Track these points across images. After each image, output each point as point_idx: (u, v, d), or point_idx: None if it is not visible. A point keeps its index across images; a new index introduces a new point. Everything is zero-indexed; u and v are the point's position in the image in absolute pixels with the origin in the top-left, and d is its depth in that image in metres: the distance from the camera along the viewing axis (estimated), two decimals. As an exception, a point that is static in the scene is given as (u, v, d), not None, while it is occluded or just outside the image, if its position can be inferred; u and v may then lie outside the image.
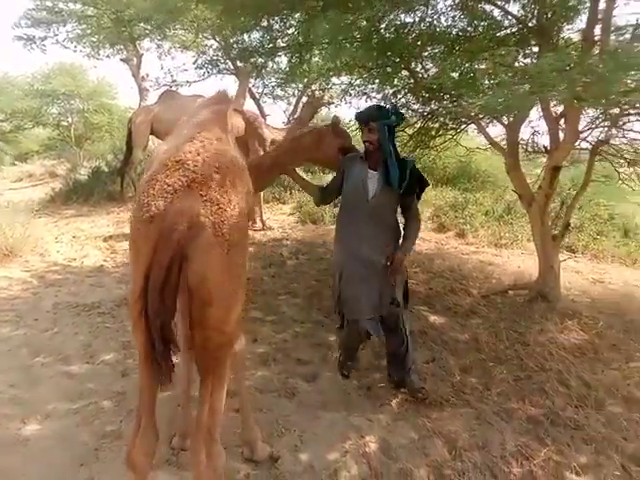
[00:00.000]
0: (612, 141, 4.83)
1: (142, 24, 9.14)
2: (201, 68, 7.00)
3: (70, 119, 16.47)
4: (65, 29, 12.03)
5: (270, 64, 6.43)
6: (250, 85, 9.85)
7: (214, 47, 5.97)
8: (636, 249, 7.71)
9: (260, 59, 5.39)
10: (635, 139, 4.62)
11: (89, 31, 11.66)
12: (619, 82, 2.34)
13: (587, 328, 4.08)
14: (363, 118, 3.08)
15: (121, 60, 13.73)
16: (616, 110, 4.30)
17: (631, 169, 4.83)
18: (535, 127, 4.75)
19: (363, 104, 5.30)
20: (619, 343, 3.88)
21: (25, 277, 5.31)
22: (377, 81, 4.40)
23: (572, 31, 4.46)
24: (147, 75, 13.01)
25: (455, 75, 3.42)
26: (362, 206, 3.07)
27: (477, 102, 2.35)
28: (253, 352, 3.79)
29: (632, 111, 4.26)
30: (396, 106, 2.69)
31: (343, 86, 5.16)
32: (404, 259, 3.10)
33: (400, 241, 3.17)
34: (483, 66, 2.71)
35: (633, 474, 2.56)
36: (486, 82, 2.61)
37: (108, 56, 12.95)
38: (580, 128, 4.25)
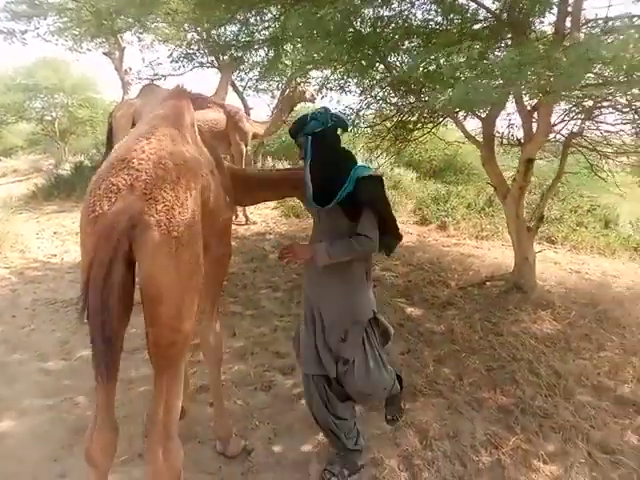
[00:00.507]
0: (586, 134, 4.90)
1: (122, 17, 9.04)
2: (176, 61, 6.94)
3: (54, 113, 16.26)
4: (46, 22, 11.88)
5: (249, 58, 6.40)
6: (233, 78, 9.82)
7: (193, 40, 5.91)
8: (615, 240, 7.83)
9: (237, 53, 5.38)
10: (608, 131, 4.67)
11: (70, 24, 11.50)
12: (580, 76, 2.38)
13: (560, 318, 4.16)
14: (291, 135, 2.45)
15: (103, 54, 13.58)
16: (589, 103, 4.36)
17: (606, 161, 4.89)
18: (511, 120, 4.78)
19: (343, 98, 5.31)
20: (591, 333, 3.96)
21: (4, 274, 5.28)
22: (352, 75, 4.40)
23: (545, 24, 4.52)
24: (130, 69, 12.86)
25: (431, 69, 3.44)
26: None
27: (441, 97, 2.38)
28: (231, 346, 3.82)
29: (605, 103, 4.33)
30: (327, 109, 2.27)
31: (320, 80, 5.17)
32: (308, 255, 2.31)
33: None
34: (454, 60, 2.72)
35: (599, 461, 2.62)
36: (451, 76, 2.62)
37: (89, 49, 12.77)
38: (554, 121, 4.30)
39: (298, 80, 5.97)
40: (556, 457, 2.64)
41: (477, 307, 4.43)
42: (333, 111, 2.41)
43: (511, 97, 4.51)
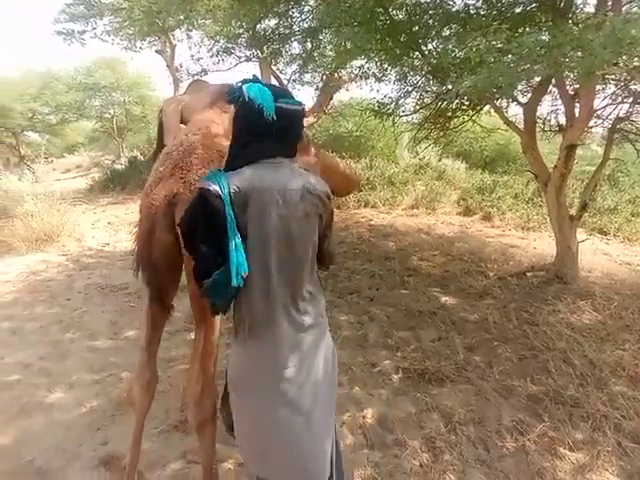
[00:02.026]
0: (636, 118, 4.67)
1: (172, 16, 9.39)
2: (216, 56, 7.14)
3: (112, 111, 17.07)
4: (102, 22, 12.50)
5: (288, 50, 6.49)
6: (277, 72, 9.97)
7: (232, 35, 6.07)
8: (672, 232, 7.40)
9: (275, 45, 5.49)
10: (660, 115, 4.45)
11: (124, 24, 12.03)
12: (610, 57, 2.31)
13: (600, 309, 4.02)
14: None
15: (156, 52, 14.12)
16: (638, 86, 4.18)
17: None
18: (554, 106, 4.64)
19: (382, 87, 5.29)
20: (632, 324, 3.81)
21: (61, 260, 5.67)
22: (388, 63, 4.40)
23: (590, 6, 4.35)
24: (181, 65, 13.33)
25: (461, 54, 3.40)
26: None
27: (466, 82, 2.36)
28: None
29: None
30: None
31: (356, 70, 5.18)
32: None
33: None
34: (481, 45, 2.68)
35: (628, 451, 2.56)
36: (479, 61, 2.58)
37: (142, 48, 13.30)
38: (597, 105, 4.15)
39: (339, 71, 6.00)
40: (583, 445, 2.59)
41: (514, 297, 4.35)
42: None
43: (553, 81, 4.39)
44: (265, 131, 1.47)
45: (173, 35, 13.32)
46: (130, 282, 4.99)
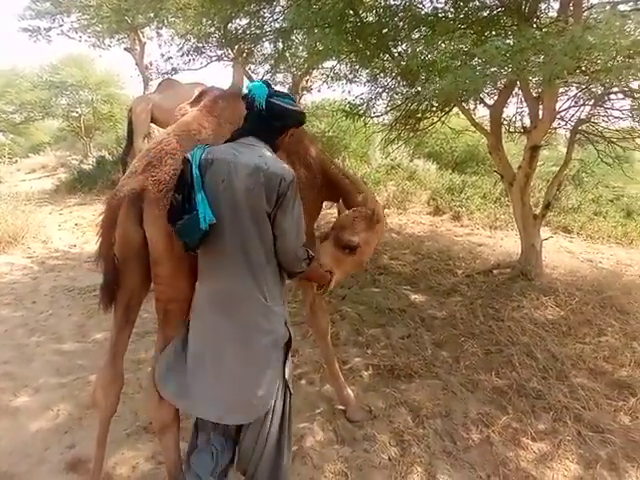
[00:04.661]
0: (597, 120, 4.85)
1: (141, 14, 9.25)
2: (187, 55, 7.06)
3: (79, 110, 16.65)
4: (69, 20, 12.20)
5: (260, 50, 6.50)
6: (250, 72, 9.94)
7: (203, 34, 6.02)
8: (634, 229, 7.70)
9: (246, 45, 5.47)
10: (618, 117, 4.63)
11: (92, 21, 11.77)
12: (569, 63, 2.40)
13: (563, 304, 4.16)
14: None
15: (125, 49, 13.88)
16: (599, 89, 4.33)
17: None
18: (519, 108, 4.78)
19: (354, 88, 5.35)
20: (593, 318, 3.96)
21: (26, 263, 5.53)
22: (358, 65, 4.46)
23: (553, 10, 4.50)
24: (150, 64, 13.14)
25: (429, 57, 3.47)
26: None
27: (432, 86, 2.42)
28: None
29: (615, 89, 4.29)
30: None
31: (328, 71, 5.22)
32: None
33: None
34: (447, 49, 2.75)
35: (587, 440, 2.66)
36: (444, 65, 2.65)
37: (110, 45, 13.05)
38: (559, 107, 4.29)
39: (309, 71, 6.03)
40: (545, 435, 2.70)
41: (481, 294, 4.47)
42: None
43: (518, 84, 4.51)
44: (254, 118, 1.82)
45: (143, 33, 13.11)
46: (97, 284, 4.88)
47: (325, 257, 2.22)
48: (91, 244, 6.28)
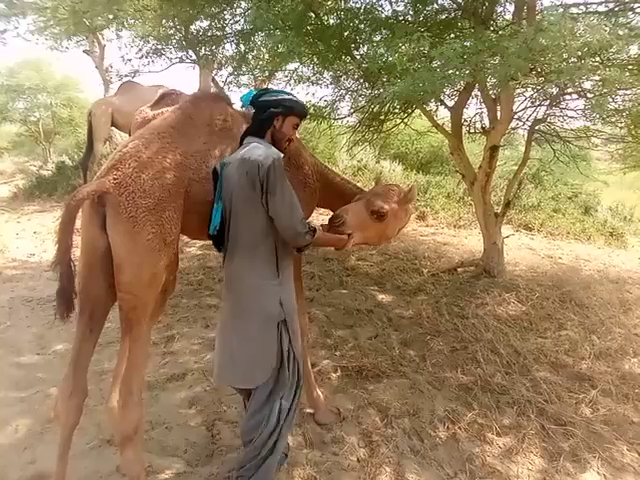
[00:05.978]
0: (553, 120, 5.00)
1: (101, 15, 9.04)
2: (145, 57, 6.94)
3: (38, 114, 16.14)
4: (25, 21, 11.81)
5: (222, 52, 6.44)
6: (213, 74, 9.85)
7: (163, 36, 5.91)
8: (592, 226, 7.98)
9: (208, 47, 5.42)
10: (573, 117, 4.78)
11: (49, 23, 11.43)
12: (522, 65, 2.46)
13: (524, 300, 4.27)
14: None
15: (84, 52, 13.54)
16: (553, 90, 4.46)
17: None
18: (479, 109, 4.88)
19: (317, 90, 5.36)
20: (553, 313, 4.08)
21: (-19, 273, 5.31)
22: (320, 67, 4.47)
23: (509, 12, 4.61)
24: (111, 66, 12.86)
25: (389, 60, 3.50)
26: None
27: (391, 89, 2.45)
28: (204, 337, 3.89)
29: (570, 90, 4.42)
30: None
31: (291, 73, 5.22)
32: None
33: None
34: (406, 52, 2.78)
35: (551, 433, 2.74)
36: (403, 68, 2.69)
37: (68, 48, 12.69)
38: (516, 108, 4.40)
39: (273, 73, 6.02)
40: (510, 430, 2.76)
41: (446, 292, 4.54)
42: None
43: (477, 86, 4.61)
44: (251, 121, 2.13)
45: (102, 35, 12.81)
46: (58, 293, 4.75)
47: (352, 217, 2.28)
48: (50, 253, 6.07)
